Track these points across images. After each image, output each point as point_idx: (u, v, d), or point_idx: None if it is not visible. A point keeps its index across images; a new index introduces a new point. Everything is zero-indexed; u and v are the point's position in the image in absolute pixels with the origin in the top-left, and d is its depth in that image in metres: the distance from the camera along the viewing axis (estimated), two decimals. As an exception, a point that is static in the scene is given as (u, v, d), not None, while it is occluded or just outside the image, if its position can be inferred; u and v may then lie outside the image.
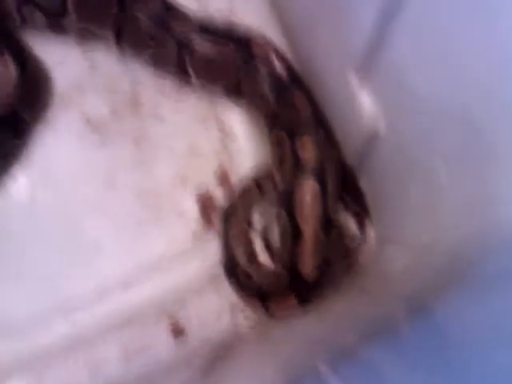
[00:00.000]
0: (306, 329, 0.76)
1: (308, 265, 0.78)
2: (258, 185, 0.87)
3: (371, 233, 0.84)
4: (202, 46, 0.85)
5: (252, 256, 0.87)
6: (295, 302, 0.79)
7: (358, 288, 0.78)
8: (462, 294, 0.53)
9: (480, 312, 0.49)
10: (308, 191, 0.78)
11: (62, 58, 0.94)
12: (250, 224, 0.88)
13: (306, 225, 0.78)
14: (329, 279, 0.79)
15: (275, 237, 0.84)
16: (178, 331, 0.88)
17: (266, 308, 0.82)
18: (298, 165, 0.79)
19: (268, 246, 0.88)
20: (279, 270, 0.82)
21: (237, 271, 0.85)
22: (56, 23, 0.90)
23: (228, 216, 0.87)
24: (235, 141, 0.92)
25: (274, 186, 0.84)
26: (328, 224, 0.78)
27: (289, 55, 0.86)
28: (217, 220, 0.91)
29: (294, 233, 0.79)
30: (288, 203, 0.79)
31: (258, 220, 0.88)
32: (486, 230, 0.55)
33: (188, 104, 0.94)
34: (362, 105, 0.73)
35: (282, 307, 0.81)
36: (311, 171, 0.78)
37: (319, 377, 0.57)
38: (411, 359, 0.50)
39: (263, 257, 0.87)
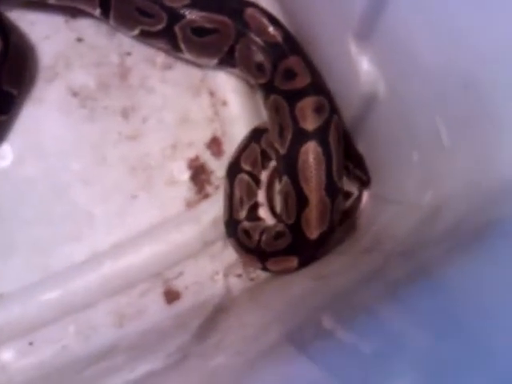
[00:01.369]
0: (302, 283, 0.77)
1: (314, 230, 0.77)
2: (258, 142, 0.87)
3: (370, 194, 0.84)
4: (195, 19, 0.83)
5: (253, 213, 0.87)
6: (295, 263, 0.80)
7: (357, 247, 0.78)
8: (464, 253, 0.53)
9: (484, 269, 0.48)
10: (310, 155, 0.76)
11: (48, 31, 0.93)
12: (256, 181, 0.87)
13: (310, 190, 0.76)
14: (331, 242, 0.80)
15: (280, 199, 0.84)
16: (172, 296, 0.89)
17: (265, 267, 0.83)
18: (298, 129, 0.78)
19: (271, 205, 0.88)
20: (282, 231, 0.81)
21: (237, 229, 0.85)
22: (40, 1, 0.88)
23: (232, 173, 0.87)
24: (227, 108, 0.91)
25: (275, 152, 0.83)
26: (333, 188, 0.77)
27: (284, 22, 0.85)
28: (209, 186, 0.91)
29: (298, 198, 0.78)
30: (290, 169, 0.78)
31: (263, 178, 0.88)
32: (488, 189, 0.55)
33: (178, 74, 0.93)
34: (360, 68, 0.72)
35: (281, 267, 0.82)
36: (313, 135, 0.77)
37: (322, 329, 0.58)
38: (414, 316, 0.51)
39: (265, 215, 0.87)
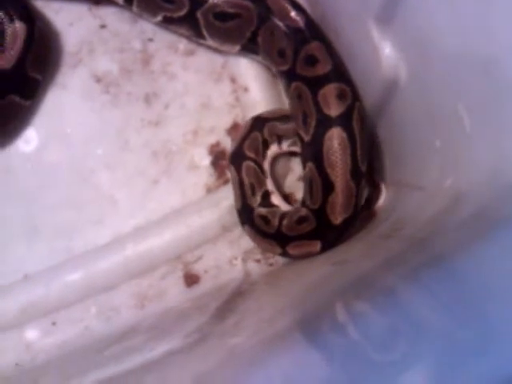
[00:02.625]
0: (321, 268, 0.77)
1: (338, 215, 0.78)
2: (261, 131, 0.87)
3: (391, 180, 0.84)
4: (217, 4, 0.83)
5: (267, 201, 0.87)
6: (318, 247, 0.80)
7: (377, 233, 0.78)
8: (485, 240, 0.52)
9: (504, 257, 0.48)
10: (335, 140, 0.77)
11: (72, 19, 0.95)
12: (261, 168, 0.88)
13: (336, 175, 0.77)
14: (354, 227, 0.80)
15: (304, 185, 0.84)
16: (192, 279, 0.90)
17: (285, 252, 0.83)
18: (322, 116, 0.78)
19: (282, 192, 0.89)
20: (305, 215, 0.81)
21: (252, 216, 0.85)
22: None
23: (237, 160, 0.87)
24: (248, 95, 0.92)
25: (299, 139, 0.83)
26: (358, 173, 0.77)
27: (306, 7, 0.84)
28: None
29: (324, 184, 0.78)
30: (315, 155, 0.79)
31: (268, 163, 0.88)
32: (510, 176, 0.55)
33: (200, 60, 0.93)
34: (382, 53, 0.72)
35: (302, 251, 0.82)
36: (337, 121, 0.77)
37: (334, 321, 0.57)
38: (433, 302, 0.51)
39: (278, 202, 0.87)
